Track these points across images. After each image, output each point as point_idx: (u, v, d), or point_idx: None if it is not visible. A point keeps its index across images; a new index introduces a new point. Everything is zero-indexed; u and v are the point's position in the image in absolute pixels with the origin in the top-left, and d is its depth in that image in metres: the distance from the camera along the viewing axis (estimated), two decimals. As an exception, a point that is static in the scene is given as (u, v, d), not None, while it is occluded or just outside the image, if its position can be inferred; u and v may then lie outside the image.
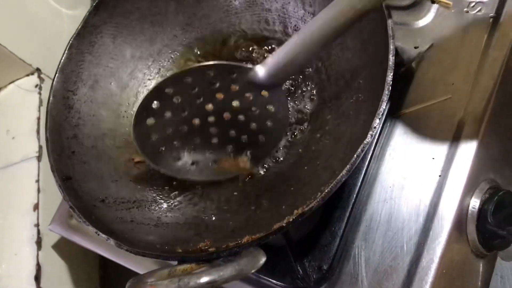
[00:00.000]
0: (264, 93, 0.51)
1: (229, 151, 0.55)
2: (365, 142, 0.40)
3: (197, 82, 0.51)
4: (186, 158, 0.55)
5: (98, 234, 0.45)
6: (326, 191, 0.40)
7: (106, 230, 0.46)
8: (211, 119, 0.53)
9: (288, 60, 0.48)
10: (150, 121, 0.52)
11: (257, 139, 0.54)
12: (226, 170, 0.56)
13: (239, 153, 0.55)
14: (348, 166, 0.40)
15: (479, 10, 0.58)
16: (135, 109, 0.60)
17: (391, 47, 0.43)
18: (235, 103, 0.52)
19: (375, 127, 0.41)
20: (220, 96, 0.52)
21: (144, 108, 0.51)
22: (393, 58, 0.42)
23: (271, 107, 0.52)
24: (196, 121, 0.53)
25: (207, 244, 0.44)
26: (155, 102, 0.51)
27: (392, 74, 0.42)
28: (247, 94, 0.51)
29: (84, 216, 0.47)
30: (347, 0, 0.43)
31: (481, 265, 0.54)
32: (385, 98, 0.41)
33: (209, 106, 0.53)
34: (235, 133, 0.54)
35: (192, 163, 0.55)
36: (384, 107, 0.41)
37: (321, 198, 0.40)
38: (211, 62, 0.52)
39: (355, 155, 0.40)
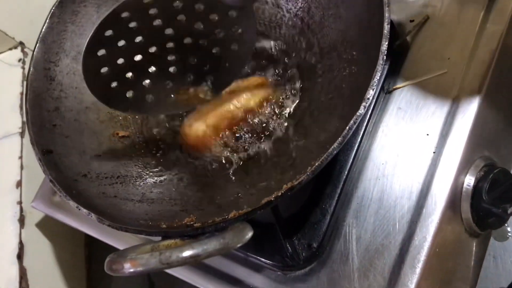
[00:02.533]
0: (232, 13, 0.46)
1: (188, 80, 0.50)
2: (357, 114, 0.39)
3: (158, 3, 0.45)
4: (141, 91, 0.49)
5: (79, 209, 0.44)
6: (316, 164, 0.39)
7: (87, 205, 0.44)
8: (169, 45, 0.48)
9: None
10: (101, 52, 0.46)
11: (220, 65, 0.49)
12: (186, 102, 0.51)
13: (199, 82, 0.51)
14: (339, 138, 0.39)
15: (477, -17, 0.56)
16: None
17: (386, 14, 0.41)
18: (198, 26, 0.47)
19: (368, 98, 0.39)
20: (181, 18, 0.46)
21: (96, 39, 0.45)
22: (388, 26, 0.41)
23: (237, 28, 0.47)
24: (153, 48, 0.48)
25: (192, 219, 0.43)
26: (108, 30, 0.45)
27: (386, 43, 0.40)
28: (212, 16, 0.46)
29: (65, 190, 0.45)
30: None
31: (474, 244, 0.53)
32: (379, 68, 0.40)
33: (169, 31, 0.47)
34: (196, 60, 0.49)
35: (148, 97, 0.49)
36: (378, 77, 0.39)
37: (311, 172, 0.39)
38: None
39: (347, 127, 0.39)
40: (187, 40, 0.48)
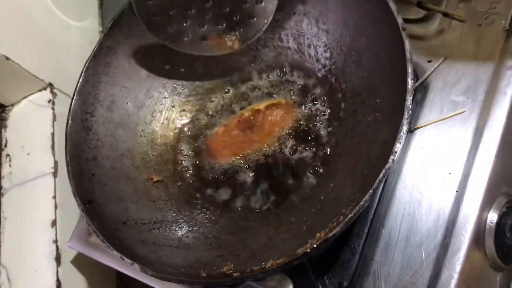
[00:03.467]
0: None
1: (220, 28, 0.58)
2: (386, 167, 0.41)
3: None
4: (180, 28, 0.57)
5: (123, 259, 0.46)
6: (349, 216, 0.41)
7: (130, 254, 0.47)
8: None
9: None
10: None
11: (248, 19, 0.58)
12: (216, 46, 0.59)
13: (230, 31, 0.59)
14: (370, 191, 0.41)
15: (492, 23, 0.58)
16: (152, 128, 0.61)
17: (409, 70, 0.43)
18: None
19: (396, 152, 0.41)
20: None
21: None
22: (412, 82, 0.43)
23: None
24: None
25: (230, 267, 0.45)
26: None
27: (411, 98, 0.42)
28: None
29: (108, 241, 0.47)
30: None
31: (498, 278, 0.54)
32: (405, 122, 0.42)
33: None
34: (228, 10, 0.57)
35: (184, 35, 0.58)
36: (404, 132, 0.41)
37: (344, 224, 0.41)
38: None
39: (377, 180, 0.41)
40: None
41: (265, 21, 0.58)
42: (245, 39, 0.59)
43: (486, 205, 0.52)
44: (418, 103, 0.58)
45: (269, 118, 0.59)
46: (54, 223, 0.72)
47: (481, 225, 0.52)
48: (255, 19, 0.58)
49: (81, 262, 0.73)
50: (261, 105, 0.60)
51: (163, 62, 0.62)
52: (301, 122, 0.58)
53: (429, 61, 0.59)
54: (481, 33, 0.58)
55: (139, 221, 0.53)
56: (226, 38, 0.59)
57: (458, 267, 0.50)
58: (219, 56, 0.60)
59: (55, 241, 0.71)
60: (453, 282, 0.50)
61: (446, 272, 0.50)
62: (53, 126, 0.79)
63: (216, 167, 0.59)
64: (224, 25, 0.58)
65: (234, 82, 0.64)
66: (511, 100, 0.54)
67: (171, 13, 0.56)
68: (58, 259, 0.70)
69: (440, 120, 0.56)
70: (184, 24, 0.58)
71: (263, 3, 0.57)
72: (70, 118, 0.55)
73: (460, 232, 0.51)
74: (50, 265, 0.70)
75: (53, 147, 0.77)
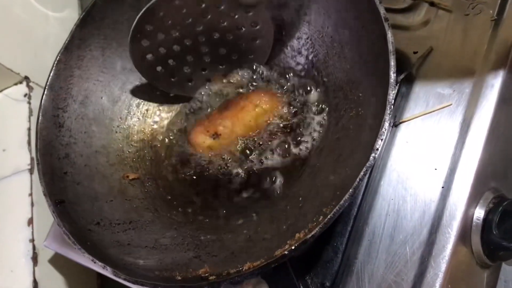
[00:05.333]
0: (250, 12, 0.54)
1: (221, 69, 0.60)
2: (367, 165, 0.39)
3: (186, 3, 0.53)
4: (182, 75, 0.59)
5: (95, 262, 0.44)
6: (329, 216, 0.39)
7: (102, 257, 0.45)
8: (201, 39, 0.57)
9: None
10: (145, 43, 0.54)
11: (246, 56, 0.59)
12: (220, 86, 0.61)
13: (231, 69, 0.60)
14: (350, 190, 0.39)
15: (480, 13, 0.56)
16: (127, 123, 0.58)
17: (392, 63, 0.41)
18: (223, 23, 0.56)
19: (377, 149, 0.39)
20: (208, 17, 0.55)
21: (138, 31, 0.53)
22: (394, 75, 0.41)
23: (256, 26, 0.56)
24: (188, 41, 0.57)
25: (206, 270, 0.43)
26: (147, 25, 0.53)
27: (393, 92, 0.40)
28: (233, 14, 0.55)
29: (80, 243, 0.46)
30: None
31: (485, 275, 0.53)
32: (386, 117, 0.40)
33: (199, 27, 0.56)
34: (226, 51, 0.59)
35: (188, 80, 0.60)
36: (386, 127, 0.40)
37: (323, 224, 0.39)
38: None
39: (357, 179, 0.39)
40: (216, 35, 0.57)
41: (264, 57, 0.59)
42: (247, 74, 0.60)
43: (473, 201, 0.51)
44: (403, 96, 0.56)
45: (253, 106, 0.57)
46: (30, 222, 0.70)
47: (468, 222, 0.50)
48: (253, 56, 0.59)
49: (59, 262, 0.71)
50: (247, 95, 0.58)
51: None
52: (282, 116, 0.56)
53: (415, 52, 0.57)
54: (468, 23, 0.56)
55: (114, 222, 0.51)
56: (228, 78, 0.61)
57: (443, 266, 0.48)
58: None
59: (32, 240, 0.69)
60: (439, 281, 0.48)
61: (432, 271, 0.48)
62: (29, 121, 0.76)
63: (196, 163, 0.57)
64: (225, 66, 0.60)
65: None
66: (498, 93, 0.52)
67: (171, 63, 0.58)
68: (35, 258, 0.68)
69: (425, 114, 0.54)
70: (186, 71, 0.59)
71: (258, 41, 0.57)
72: (40, 114, 0.53)
73: (446, 229, 0.49)
74: (27, 265, 0.68)
75: (29, 143, 0.75)
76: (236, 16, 0.55)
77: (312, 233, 0.39)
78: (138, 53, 0.55)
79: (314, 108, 0.55)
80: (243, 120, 0.56)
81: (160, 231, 0.52)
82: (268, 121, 0.56)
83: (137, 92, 0.60)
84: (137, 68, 0.56)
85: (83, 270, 0.75)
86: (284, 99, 0.57)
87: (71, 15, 0.90)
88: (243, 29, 0.56)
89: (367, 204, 0.53)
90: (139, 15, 0.52)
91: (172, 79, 0.59)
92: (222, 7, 0.54)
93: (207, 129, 0.56)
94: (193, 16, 0.54)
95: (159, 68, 0.57)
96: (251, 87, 0.60)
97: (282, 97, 0.57)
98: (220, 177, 0.56)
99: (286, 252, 0.39)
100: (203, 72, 0.60)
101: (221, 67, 0.60)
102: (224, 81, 0.61)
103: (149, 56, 0.56)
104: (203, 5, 0.54)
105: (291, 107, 0.56)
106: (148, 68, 0.57)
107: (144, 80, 0.60)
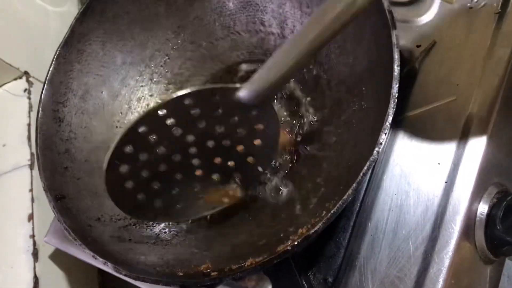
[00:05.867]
0: (253, 112, 0.46)
1: (216, 181, 0.49)
2: (371, 159, 0.39)
3: (174, 113, 0.45)
4: (169, 199, 0.48)
5: (96, 258, 0.44)
6: (332, 211, 0.39)
7: (103, 253, 0.45)
8: (192, 150, 0.47)
9: (276, 75, 0.41)
10: (124, 169, 0.44)
11: (246, 161, 0.49)
12: (216, 202, 0.50)
13: (227, 181, 0.50)
14: (354, 185, 0.38)
15: (483, 6, 0.55)
16: (128, 118, 0.58)
17: (396, 56, 0.41)
18: (219, 129, 0.47)
19: (381, 143, 0.39)
20: (201, 124, 0.46)
21: (116, 157, 0.44)
22: (398, 68, 0.40)
23: (259, 125, 0.47)
24: (177, 157, 0.47)
25: (208, 266, 0.43)
26: (128, 147, 0.44)
27: (397, 85, 0.40)
28: (233, 118, 0.46)
29: (80, 238, 0.45)
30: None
31: (489, 270, 0.53)
32: (390, 111, 0.39)
33: (190, 137, 0.46)
34: (221, 160, 0.49)
35: (177, 203, 0.48)
36: (390, 121, 0.39)
37: (326, 219, 0.39)
38: (188, 90, 0.44)
39: (361, 174, 0.38)
40: (210, 143, 0.47)
41: (268, 159, 0.51)
42: (248, 183, 0.51)
43: (476, 196, 0.50)
44: (406, 90, 0.55)
45: None
46: (31, 217, 0.69)
47: (471, 217, 0.50)
48: (254, 160, 0.49)
49: (60, 258, 0.71)
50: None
51: (140, 48, 0.59)
52: (286, 113, 0.56)
53: (418, 46, 0.57)
54: (472, 16, 0.56)
55: (114, 217, 0.50)
56: (225, 189, 0.50)
57: (447, 261, 0.48)
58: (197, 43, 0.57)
59: (32, 236, 0.69)
60: (442, 276, 0.48)
61: (435, 266, 0.48)
62: (29, 116, 0.76)
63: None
64: (219, 177, 0.49)
65: (216, 71, 0.61)
66: (503, 86, 0.52)
67: (155, 187, 0.47)
68: (35, 254, 0.68)
69: (428, 108, 0.54)
70: (173, 192, 0.48)
71: (260, 143, 0.48)
72: (40, 109, 0.52)
73: (449, 224, 0.49)
74: (27, 260, 0.67)
75: (29, 138, 0.75)
76: (236, 118, 0.46)
77: (315, 228, 0.39)
78: (116, 183, 0.44)
79: (315, 105, 0.54)
80: None
81: (161, 226, 0.51)
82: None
83: (138, 86, 0.59)
84: (113, 201, 0.45)
85: (84, 265, 0.75)
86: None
87: (70, 10, 0.90)
88: (243, 132, 0.47)
89: (370, 199, 0.53)
90: (116, 139, 0.43)
91: (157, 206, 0.47)
92: (220, 111, 0.45)
93: None
94: (183, 126, 0.45)
95: (140, 196, 0.46)
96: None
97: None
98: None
99: (288, 248, 0.39)
100: (194, 189, 0.49)
101: (215, 179, 0.49)
102: (221, 193, 0.50)
103: (129, 183, 0.45)
104: (196, 112, 0.45)
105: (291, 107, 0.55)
106: (127, 198, 0.45)
107: (145, 75, 0.59)
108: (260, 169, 0.50)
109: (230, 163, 0.49)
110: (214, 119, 0.46)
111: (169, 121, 0.45)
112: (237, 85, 0.44)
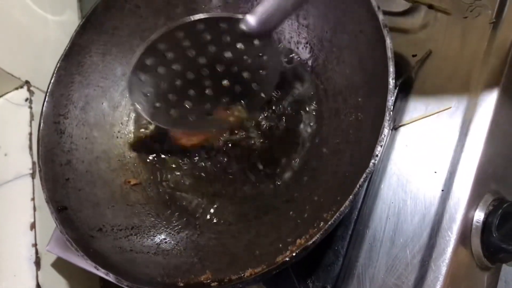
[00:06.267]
0: (256, 42, 0.51)
1: (224, 102, 0.56)
2: (367, 171, 0.39)
3: (188, 36, 0.50)
4: (183, 111, 0.55)
5: (97, 269, 0.44)
6: (329, 222, 0.39)
7: (105, 264, 0.45)
8: (204, 71, 0.53)
9: (278, 6, 0.47)
10: (144, 78, 0.51)
11: (251, 88, 0.55)
12: (222, 120, 0.57)
13: (234, 102, 0.56)
14: (350, 197, 0.39)
15: (479, 15, 0.56)
16: (128, 128, 0.59)
17: (391, 69, 0.41)
18: (228, 54, 0.52)
19: (377, 155, 0.40)
20: (212, 48, 0.52)
21: (139, 66, 0.50)
22: (393, 81, 0.41)
23: (263, 56, 0.52)
24: (190, 74, 0.53)
25: (208, 276, 0.44)
26: (148, 59, 0.50)
27: (392, 98, 0.41)
28: (239, 45, 0.52)
29: (83, 250, 0.46)
30: None
31: (485, 277, 0.53)
32: (386, 124, 0.40)
33: (202, 59, 0.52)
34: (229, 84, 0.55)
35: (188, 115, 0.55)
36: (385, 134, 0.40)
37: (324, 231, 0.39)
38: (201, 15, 0.50)
39: (357, 185, 0.39)
40: (219, 67, 0.53)
41: (270, 88, 0.56)
42: (252, 107, 0.57)
43: (473, 204, 0.51)
44: (403, 99, 0.56)
45: None
46: (33, 226, 0.70)
47: (468, 224, 0.51)
48: (258, 87, 0.55)
49: (62, 266, 0.71)
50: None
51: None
52: (282, 120, 0.56)
53: (413, 55, 0.57)
54: (467, 25, 0.56)
55: (116, 227, 0.51)
56: (232, 110, 0.57)
57: (444, 269, 0.49)
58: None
59: (34, 245, 0.69)
60: (439, 284, 0.48)
61: (432, 274, 0.49)
62: (30, 125, 0.76)
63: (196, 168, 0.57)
64: (228, 98, 0.56)
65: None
66: (497, 96, 0.52)
67: (171, 98, 0.54)
68: (37, 263, 0.68)
69: (425, 117, 0.54)
70: (186, 105, 0.55)
71: (263, 72, 0.54)
72: (42, 121, 0.53)
73: (446, 232, 0.50)
74: (30, 269, 0.68)
75: (30, 148, 0.75)
76: (242, 47, 0.52)
77: (313, 239, 0.39)
78: (137, 89, 0.52)
79: (313, 114, 0.55)
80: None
81: (161, 236, 0.52)
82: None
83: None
84: (135, 104, 0.53)
85: (85, 274, 0.75)
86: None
87: (70, 19, 0.90)
88: (249, 60, 0.53)
89: (368, 207, 0.53)
90: (139, 50, 0.50)
91: (172, 115, 0.54)
92: (228, 38, 0.51)
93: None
94: (196, 48, 0.51)
95: (158, 104, 0.53)
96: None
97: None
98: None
99: (287, 259, 0.40)
100: (205, 106, 0.56)
101: (224, 99, 0.56)
102: (228, 113, 0.57)
103: (148, 91, 0.52)
104: (208, 37, 0.51)
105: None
106: (147, 104, 0.53)
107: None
108: (263, 95, 0.56)
109: (237, 88, 0.55)
110: (223, 46, 0.52)
111: (184, 42, 0.51)
112: (241, 15, 0.49)
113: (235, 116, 0.57)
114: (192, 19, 0.49)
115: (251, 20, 0.49)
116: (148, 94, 0.52)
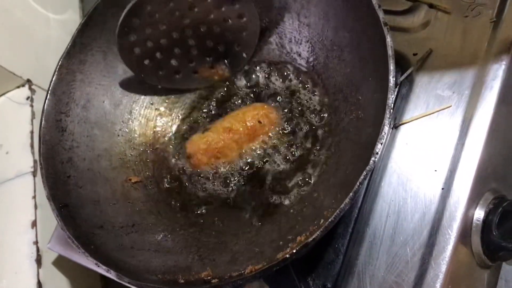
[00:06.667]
0: (236, 5, 0.55)
1: (208, 60, 0.60)
2: (367, 169, 0.39)
3: None
4: (169, 67, 0.59)
5: (99, 266, 0.45)
6: (330, 219, 0.39)
7: (106, 260, 0.45)
8: (188, 32, 0.57)
9: None
10: (132, 37, 0.54)
11: (233, 48, 0.59)
12: (207, 78, 0.61)
13: (218, 62, 0.61)
14: (351, 194, 0.39)
15: (479, 14, 0.56)
16: (129, 127, 0.59)
17: (391, 67, 0.42)
18: (210, 16, 0.56)
19: (377, 153, 0.40)
20: (195, 10, 0.55)
21: (125, 25, 0.53)
22: (394, 79, 0.41)
23: (243, 18, 0.56)
24: (175, 34, 0.57)
25: (209, 273, 0.44)
26: (135, 19, 0.53)
27: (393, 96, 0.41)
28: (219, 7, 0.55)
29: (84, 247, 0.46)
30: None
31: (486, 275, 0.54)
32: (386, 121, 0.40)
33: (186, 20, 0.56)
34: (213, 44, 0.59)
35: (175, 73, 0.60)
36: (385, 131, 0.40)
37: (324, 228, 0.39)
38: None
39: (358, 183, 0.39)
40: (203, 28, 0.57)
41: (250, 49, 0.60)
42: (234, 67, 0.61)
43: (473, 202, 0.51)
44: (403, 98, 0.56)
45: (252, 122, 0.56)
46: (34, 224, 0.70)
47: (468, 223, 0.51)
48: (239, 47, 0.59)
49: (63, 263, 0.71)
50: (244, 110, 0.58)
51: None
52: (285, 120, 0.56)
53: (414, 54, 0.58)
54: (468, 24, 0.56)
55: (117, 225, 0.51)
56: (216, 69, 0.61)
57: (444, 267, 0.49)
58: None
59: (36, 242, 0.69)
60: (439, 281, 0.48)
61: (432, 272, 0.49)
62: (32, 124, 0.77)
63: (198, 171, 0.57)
64: (212, 58, 0.60)
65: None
66: (497, 94, 0.52)
67: (158, 57, 0.57)
68: (39, 260, 0.69)
69: (425, 116, 0.55)
70: (173, 64, 0.59)
71: (244, 33, 0.58)
72: (43, 119, 0.53)
73: (446, 230, 0.50)
74: (31, 267, 0.68)
75: (32, 146, 0.75)
76: (223, 9, 0.55)
77: (313, 236, 0.39)
78: (126, 47, 0.55)
79: (314, 113, 0.55)
80: (242, 138, 0.56)
81: (162, 234, 0.52)
82: (268, 134, 0.56)
83: (139, 95, 0.60)
84: (124, 62, 0.56)
85: (86, 271, 0.76)
86: (281, 111, 0.57)
87: (72, 17, 0.91)
88: (230, 21, 0.57)
89: (368, 205, 0.54)
90: (126, 9, 0.52)
91: (160, 72, 0.59)
92: (209, 0, 0.55)
93: (206, 153, 0.56)
94: (180, 9, 0.55)
95: (146, 62, 0.57)
96: (248, 98, 0.60)
97: (279, 108, 0.58)
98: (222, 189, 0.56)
99: (287, 256, 0.40)
100: (190, 64, 0.60)
101: (208, 59, 0.60)
102: (212, 71, 0.61)
103: (136, 49, 0.56)
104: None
105: (290, 114, 0.56)
106: (136, 61, 0.56)
107: (146, 84, 0.60)
108: (244, 55, 0.60)
109: (220, 47, 0.59)
110: (206, 7, 0.55)
111: (169, 3, 0.54)
112: None
113: (219, 75, 0.61)
114: None
115: None
116: (136, 52, 0.56)
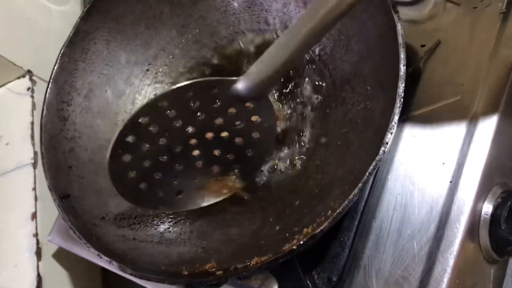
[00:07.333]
0: (249, 105, 0.47)
1: (215, 172, 0.51)
2: (377, 159, 0.39)
3: (174, 105, 0.46)
4: (171, 189, 0.50)
5: (100, 257, 0.44)
6: (338, 211, 0.39)
7: (108, 252, 0.45)
8: (192, 141, 0.49)
9: (273, 67, 0.43)
10: (126, 158, 0.47)
11: (244, 153, 0.51)
12: (215, 193, 0.52)
13: (226, 173, 0.52)
14: (359, 185, 0.38)
15: (489, 6, 0.55)
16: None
17: (402, 55, 0.41)
18: (218, 121, 0.48)
19: (387, 143, 0.39)
20: (201, 116, 0.48)
21: (119, 146, 0.46)
22: (404, 68, 0.40)
23: (256, 118, 0.49)
24: (177, 148, 0.49)
25: (213, 265, 0.43)
26: (130, 136, 0.46)
27: (403, 85, 0.40)
28: (230, 110, 0.47)
29: (85, 237, 0.45)
30: None
31: (493, 270, 0.53)
32: (396, 110, 0.40)
33: (190, 129, 0.48)
34: (220, 152, 0.50)
35: (178, 193, 0.50)
36: (396, 121, 0.39)
37: (332, 219, 0.39)
38: (187, 82, 0.46)
39: (367, 173, 0.38)
40: (209, 135, 0.49)
41: (265, 153, 0.52)
42: (247, 174, 0.52)
43: (481, 196, 0.50)
44: (411, 90, 0.55)
45: None
46: (34, 216, 0.69)
47: (476, 216, 0.50)
48: (251, 151, 0.51)
49: (63, 256, 0.71)
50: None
51: (144, 47, 0.59)
52: (289, 111, 0.56)
53: (422, 46, 0.57)
54: (477, 16, 0.56)
55: (119, 216, 0.50)
56: (225, 181, 0.52)
57: (451, 261, 0.48)
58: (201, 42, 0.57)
59: (35, 235, 0.69)
60: (447, 276, 0.48)
61: (439, 266, 0.48)
62: (32, 115, 0.76)
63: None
64: (219, 168, 0.51)
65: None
66: (507, 86, 0.51)
67: (156, 177, 0.49)
68: (38, 253, 0.68)
69: (433, 108, 0.54)
70: (174, 182, 0.50)
71: (256, 134, 0.50)
72: (45, 108, 0.52)
73: (454, 224, 0.49)
74: (31, 259, 0.67)
75: (32, 137, 0.74)
76: (234, 111, 0.48)
77: (321, 227, 0.39)
78: (119, 171, 0.47)
79: (319, 104, 0.54)
80: None
81: (165, 225, 0.51)
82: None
83: (142, 86, 0.59)
84: (117, 189, 0.47)
85: (87, 264, 0.75)
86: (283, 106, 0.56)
87: (73, 9, 0.90)
88: (241, 124, 0.49)
89: (374, 198, 0.53)
90: (119, 129, 0.46)
91: (159, 195, 0.49)
92: (218, 103, 0.47)
93: None
94: (183, 117, 0.47)
95: (142, 185, 0.48)
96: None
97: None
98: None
99: (294, 247, 0.39)
100: (195, 180, 0.51)
101: (215, 171, 0.51)
102: (221, 184, 0.52)
103: (131, 173, 0.47)
104: (195, 104, 0.47)
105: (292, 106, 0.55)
106: (130, 187, 0.48)
107: (149, 74, 0.59)
108: (257, 161, 0.52)
109: (230, 156, 0.51)
110: (213, 111, 0.48)
111: (170, 113, 0.47)
112: (234, 78, 0.46)
113: (229, 187, 0.52)
114: (177, 86, 0.46)
115: (244, 83, 0.45)
116: (132, 176, 0.48)
